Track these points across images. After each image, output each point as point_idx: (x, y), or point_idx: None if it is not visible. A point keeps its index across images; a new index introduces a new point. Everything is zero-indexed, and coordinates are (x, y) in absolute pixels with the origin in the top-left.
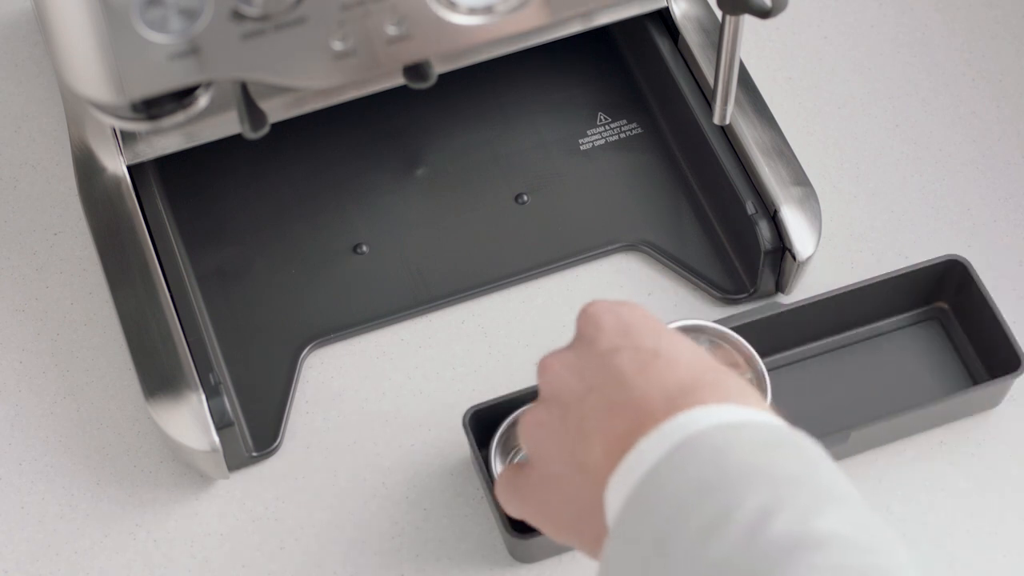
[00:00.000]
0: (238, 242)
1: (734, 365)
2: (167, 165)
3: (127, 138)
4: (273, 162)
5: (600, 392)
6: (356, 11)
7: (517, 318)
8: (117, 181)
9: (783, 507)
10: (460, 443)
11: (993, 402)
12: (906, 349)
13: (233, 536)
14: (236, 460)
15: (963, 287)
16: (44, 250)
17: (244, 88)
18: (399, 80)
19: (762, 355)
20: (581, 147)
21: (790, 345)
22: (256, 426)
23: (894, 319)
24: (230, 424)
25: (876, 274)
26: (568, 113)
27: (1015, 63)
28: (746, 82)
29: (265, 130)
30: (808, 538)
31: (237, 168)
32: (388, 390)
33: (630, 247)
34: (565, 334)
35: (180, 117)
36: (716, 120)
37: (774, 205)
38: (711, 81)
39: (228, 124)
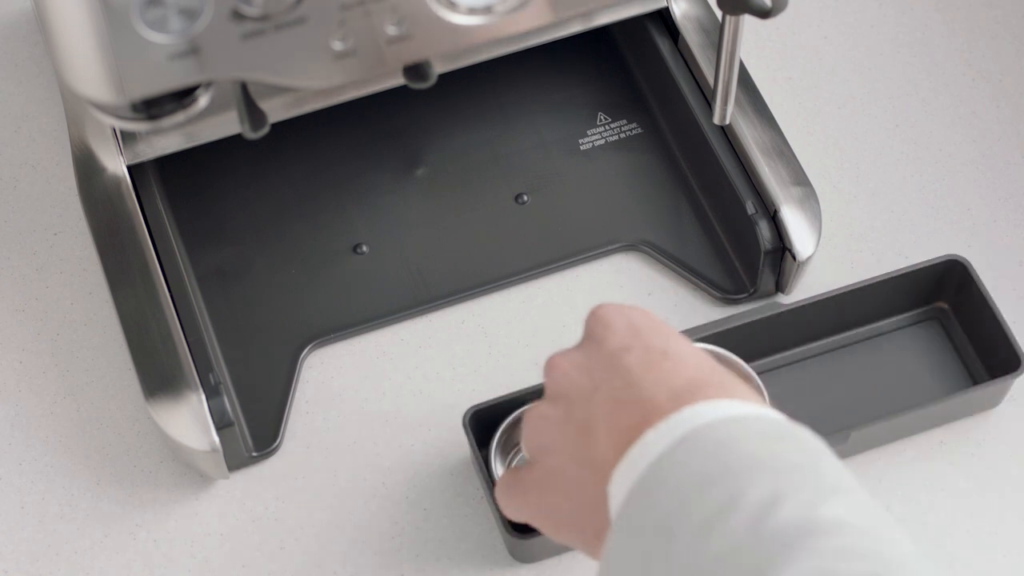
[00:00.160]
0: (238, 242)
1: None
2: (167, 165)
3: (127, 138)
4: (273, 162)
5: (608, 389)
6: (356, 11)
7: (517, 318)
8: (117, 181)
9: (788, 496)
10: (460, 443)
11: (993, 402)
12: (906, 349)
13: (233, 536)
14: (236, 460)
15: (963, 287)
16: (44, 250)
17: (244, 88)
18: (399, 80)
19: (762, 355)
20: (581, 147)
21: (790, 345)
22: (256, 426)
23: (894, 319)
24: (230, 424)
25: (876, 274)
26: (568, 113)
27: (1015, 63)
28: (746, 82)
29: (265, 130)
30: (814, 525)
31: (237, 168)
32: (388, 390)
33: (630, 247)
34: (565, 334)
35: (180, 117)
36: (716, 120)
37: (774, 205)
38: (711, 81)
39: (228, 124)
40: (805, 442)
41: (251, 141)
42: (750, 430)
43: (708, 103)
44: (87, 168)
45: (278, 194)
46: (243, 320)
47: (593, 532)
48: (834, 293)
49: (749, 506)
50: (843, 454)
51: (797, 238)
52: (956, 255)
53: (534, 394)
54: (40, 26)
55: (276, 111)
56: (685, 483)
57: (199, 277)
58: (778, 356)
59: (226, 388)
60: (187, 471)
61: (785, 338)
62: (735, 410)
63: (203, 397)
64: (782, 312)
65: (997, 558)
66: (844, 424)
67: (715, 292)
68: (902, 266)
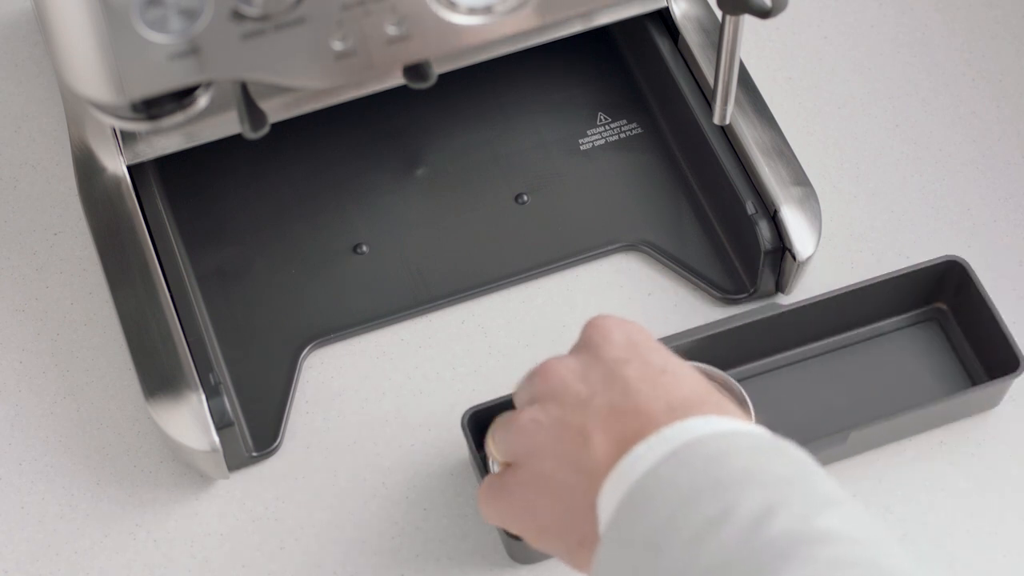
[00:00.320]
0: (238, 242)
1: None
2: (167, 165)
3: (127, 138)
4: (273, 162)
5: (604, 397)
6: (356, 11)
7: (517, 318)
8: (117, 181)
9: (780, 508)
10: (460, 443)
11: (992, 402)
12: (905, 349)
13: (233, 536)
14: (236, 460)
15: (962, 288)
16: (44, 250)
17: (244, 88)
18: (399, 80)
19: (762, 355)
20: (581, 147)
21: (790, 345)
22: (256, 426)
23: (894, 319)
24: (230, 424)
25: (876, 274)
26: (568, 113)
27: (1015, 63)
28: (746, 82)
29: (265, 130)
30: (807, 535)
31: (237, 168)
32: (388, 390)
33: (630, 247)
34: (565, 334)
35: (180, 117)
36: (716, 120)
37: (774, 205)
38: (711, 81)
39: (228, 124)
40: (795, 456)
41: (251, 141)
42: (740, 445)
43: (708, 103)
44: (87, 168)
45: (278, 194)
46: (243, 320)
47: (577, 539)
48: (834, 293)
49: (741, 519)
50: (842, 454)
51: (797, 238)
52: (955, 256)
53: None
54: (40, 26)
55: (276, 111)
56: (674, 497)
57: (199, 277)
58: (778, 356)
59: (226, 388)
60: (187, 471)
61: (785, 338)
62: (725, 426)
63: (203, 397)
64: (782, 312)
65: (997, 558)
66: (844, 424)
67: (715, 292)
68: (902, 266)
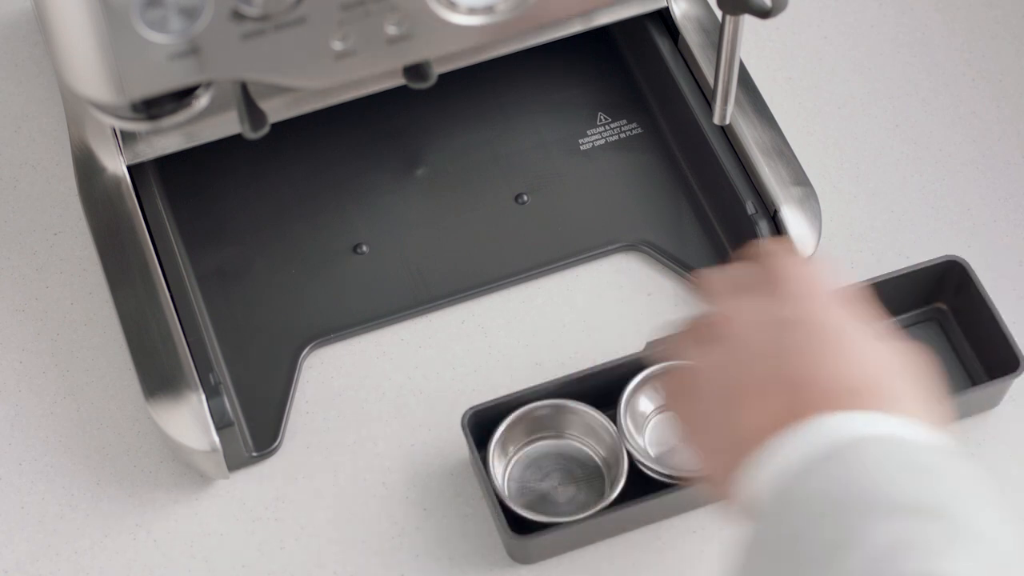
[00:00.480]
0: (238, 242)
1: None
2: (167, 165)
3: (127, 138)
4: (273, 162)
5: (771, 362)
6: (356, 11)
7: (517, 318)
8: (117, 181)
9: (913, 545)
10: (460, 443)
11: (992, 403)
12: None
13: (233, 536)
14: (236, 460)
15: (962, 288)
16: (44, 250)
17: (244, 88)
18: (399, 80)
19: None
20: (581, 147)
21: None
22: (256, 426)
23: (894, 319)
24: (230, 424)
25: (876, 274)
26: (568, 113)
27: (1015, 63)
28: (746, 82)
29: (265, 130)
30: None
31: (237, 168)
32: (388, 390)
33: (630, 247)
34: (565, 334)
35: (180, 117)
36: (716, 120)
37: (774, 205)
38: (711, 81)
39: (228, 124)
40: (950, 476)
41: (251, 141)
42: (895, 458)
43: (708, 103)
44: (87, 168)
45: (278, 194)
46: (243, 320)
47: (723, 465)
48: None
49: (873, 548)
50: None
51: (797, 238)
52: (955, 256)
53: (534, 394)
54: (40, 26)
55: (276, 111)
56: (815, 507)
57: (199, 277)
58: None
59: (226, 388)
60: (187, 471)
61: None
62: (886, 427)
63: (203, 397)
64: None
65: None
66: None
67: None
68: (902, 266)
